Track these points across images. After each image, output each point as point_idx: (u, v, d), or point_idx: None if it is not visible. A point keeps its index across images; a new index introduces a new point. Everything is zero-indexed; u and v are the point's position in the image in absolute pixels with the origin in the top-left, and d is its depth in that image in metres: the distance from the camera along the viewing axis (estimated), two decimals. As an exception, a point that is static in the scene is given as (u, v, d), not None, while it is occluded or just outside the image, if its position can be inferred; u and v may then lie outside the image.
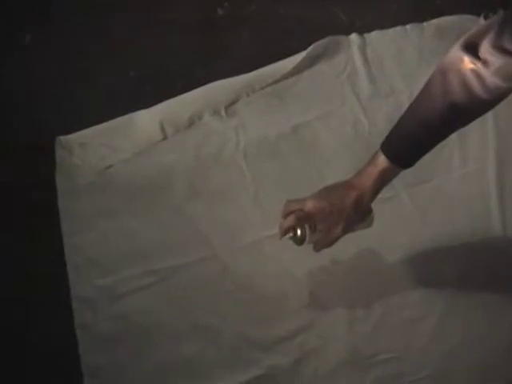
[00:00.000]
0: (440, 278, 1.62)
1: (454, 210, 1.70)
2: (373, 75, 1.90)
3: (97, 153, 1.75)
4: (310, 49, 1.91)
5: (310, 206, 1.31)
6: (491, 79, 1.09)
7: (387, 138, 1.27)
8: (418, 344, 1.56)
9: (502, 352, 1.55)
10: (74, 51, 1.96)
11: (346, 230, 1.32)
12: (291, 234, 1.33)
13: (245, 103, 1.83)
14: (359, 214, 1.32)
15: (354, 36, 1.97)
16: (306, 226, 1.31)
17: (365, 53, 1.93)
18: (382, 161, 1.25)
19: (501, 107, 1.20)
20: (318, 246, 1.37)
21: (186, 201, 1.70)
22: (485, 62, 1.08)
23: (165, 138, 1.78)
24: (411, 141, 1.25)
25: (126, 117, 1.81)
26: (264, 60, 1.90)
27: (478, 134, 1.78)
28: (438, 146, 1.26)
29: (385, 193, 1.33)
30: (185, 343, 1.55)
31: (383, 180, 1.28)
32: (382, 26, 2.01)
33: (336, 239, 1.34)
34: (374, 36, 1.98)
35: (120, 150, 1.76)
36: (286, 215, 1.35)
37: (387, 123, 1.61)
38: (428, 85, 1.21)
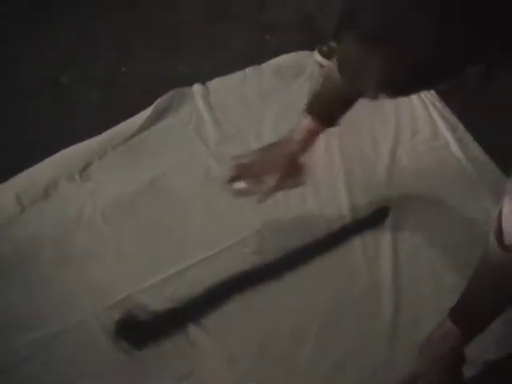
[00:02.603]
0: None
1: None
2: (218, 121, 1.97)
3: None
4: (156, 103, 1.97)
5: (247, 158, 1.48)
6: None
7: (309, 101, 1.44)
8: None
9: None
10: None
11: (281, 181, 1.46)
12: (233, 186, 1.47)
13: (98, 165, 1.86)
14: (293, 167, 1.47)
15: (196, 86, 2.04)
16: (246, 178, 1.46)
17: (209, 101, 2.01)
18: (308, 120, 1.44)
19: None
20: (261, 196, 1.49)
21: (54, 268, 1.70)
22: None
23: (23, 209, 1.78)
24: (329, 101, 1.43)
25: (-20, 193, 1.79)
26: (112, 120, 1.94)
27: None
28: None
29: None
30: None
31: (309, 136, 1.46)
32: (223, 72, 2.10)
33: (273, 189, 1.47)
34: (215, 83, 2.06)
35: (-23, 227, 1.74)
36: (232, 168, 1.46)
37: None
38: None
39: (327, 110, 1.45)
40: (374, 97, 0.90)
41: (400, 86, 0.86)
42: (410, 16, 0.78)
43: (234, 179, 1.48)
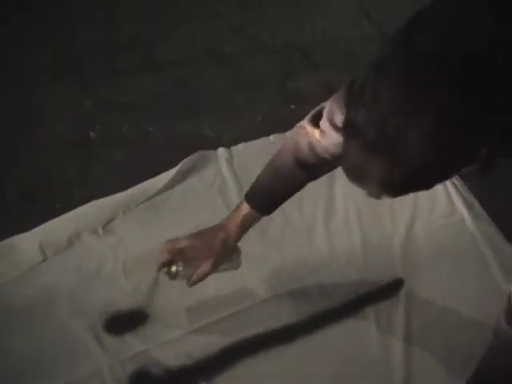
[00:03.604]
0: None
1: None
2: (241, 185, 2.00)
3: (-22, 278, 1.77)
4: (180, 164, 2.02)
5: (183, 243, 1.49)
6: (321, 148, 1.32)
7: (250, 188, 1.49)
8: None
9: None
10: None
11: (215, 266, 1.49)
12: (166, 270, 1.49)
13: (121, 220, 1.91)
14: (227, 252, 1.51)
15: (221, 150, 2.10)
16: (179, 263, 1.47)
17: (232, 165, 2.06)
18: (245, 207, 1.48)
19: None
20: (190, 281, 1.51)
21: (70, 318, 1.73)
22: (322, 132, 1.29)
23: (45, 259, 1.82)
24: (268, 191, 1.47)
25: (5, 241, 1.85)
26: (138, 177, 1.99)
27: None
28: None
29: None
30: None
31: (245, 223, 1.49)
32: (248, 138, 2.15)
33: (206, 274, 1.49)
34: (240, 148, 2.12)
35: (1, 274, 1.78)
36: (161, 252, 1.48)
37: (258, 231, 1.75)
38: (283, 144, 1.45)
39: (267, 201, 1.49)
40: (378, 196, 0.92)
41: (399, 188, 0.89)
42: (409, 123, 0.80)
43: (168, 263, 1.49)
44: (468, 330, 1.75)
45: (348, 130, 0.88)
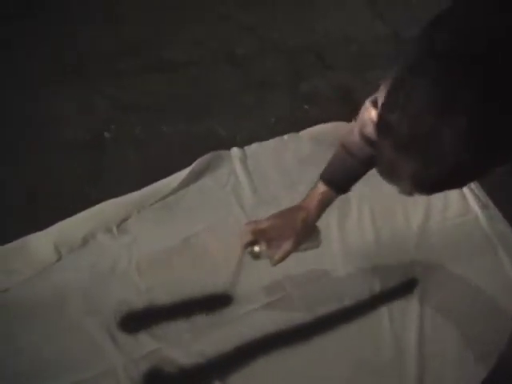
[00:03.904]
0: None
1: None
2: (255, 185, 2.02)
3: (-8, 277, 1.77)
4: (194, 164, 2.03)
5: (264, 224, 1.52)
6: None
7: (325, 167, 1.51)
8: None
9: None
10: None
11: (296, 245, 1.52)
12: (249, 250, 1.54)
13: (135, 219, 1.92)
14: (307, 232, 1.54)
15: (234, 150, 2.11)
16: (262, 242, 1.52)
17: (246, 164, 2.07)
18: (322, 186, 1.50)
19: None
20: (273, 260, 1.54)
21: (84, 316, 1.73)
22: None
23: (60, 258, 1.83)
24: (341, 169, 1.50)
25: (20, 240, 1.85)
26: (152, 177, 2.00)
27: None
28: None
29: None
30: None
31: (323, 202, 1.52)
32: (261, 138, 2.16)
33: (288, 253, 1.52)
34: (253, 148, 2.13)
35: (16, 274, 1.79)
36: (244, 233, 1.53)
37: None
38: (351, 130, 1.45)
39: (341, 179, 1.51)
40: (410, 194, 0.93)
41: (431, 186, 0.90)
42: (443, 122, 0.81)
43: (251, 243, 1.54)
44: (482, 328, 1.75)
45: (381, 128, 0.89)
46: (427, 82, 0.82)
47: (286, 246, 1.52)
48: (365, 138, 1.40)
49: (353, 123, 1.50)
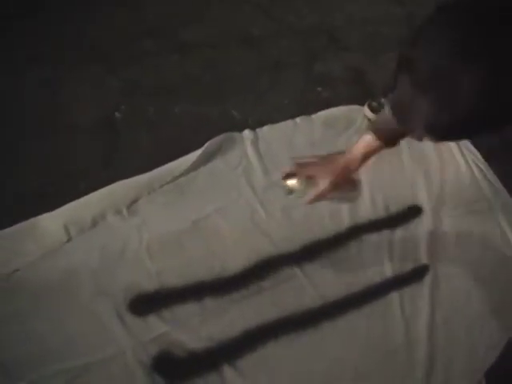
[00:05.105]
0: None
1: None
2: (266, 167, 2.01)
3: (2, 258, 1.77)
4: (205, 146, 2.01)
5: (309, 159, 1.54)
6: None
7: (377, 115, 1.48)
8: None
9: None
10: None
11: (332, 186, 1.50)
12: (284, 182, 1.54)
13: (146, 201, 1.90)
14: (346, 176, 1.52)
15: (246, 132, 2.09)
16: (300, 179, 1.52)
17: (257, 147, 2.05)
18: (370, 134, 1.47)
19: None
20: (307, 198, 1.53)
21: (93, 299, 1.73)
22: None
23: (69, 239, 1.82)
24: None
25: (30, 220, 1.83)
26: (162, 158, 1.98)
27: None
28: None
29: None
30: None
31: (369, 149, 1.49)
32: (273, 120, 2.14)
33: (323, 193, 1.51)
34: (265, 130, 2.11)
35: (25, 254, 1.78)
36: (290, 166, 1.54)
37: (282, 212, 1.74)
38: None
39: (390, 132, 1.47)
40: (419, 138, 0.93)
41: (442, 131, 0.90)
42: (463, 67, 0.81)
43: (288, 176, 1.53)
44: (492, 318, 1.74)
45: (402, 63, 0.90)
46: (455, 27, 0.83)
47: (322, 184, 1.50)
48: None
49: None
